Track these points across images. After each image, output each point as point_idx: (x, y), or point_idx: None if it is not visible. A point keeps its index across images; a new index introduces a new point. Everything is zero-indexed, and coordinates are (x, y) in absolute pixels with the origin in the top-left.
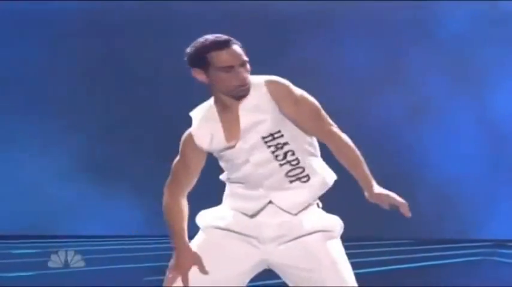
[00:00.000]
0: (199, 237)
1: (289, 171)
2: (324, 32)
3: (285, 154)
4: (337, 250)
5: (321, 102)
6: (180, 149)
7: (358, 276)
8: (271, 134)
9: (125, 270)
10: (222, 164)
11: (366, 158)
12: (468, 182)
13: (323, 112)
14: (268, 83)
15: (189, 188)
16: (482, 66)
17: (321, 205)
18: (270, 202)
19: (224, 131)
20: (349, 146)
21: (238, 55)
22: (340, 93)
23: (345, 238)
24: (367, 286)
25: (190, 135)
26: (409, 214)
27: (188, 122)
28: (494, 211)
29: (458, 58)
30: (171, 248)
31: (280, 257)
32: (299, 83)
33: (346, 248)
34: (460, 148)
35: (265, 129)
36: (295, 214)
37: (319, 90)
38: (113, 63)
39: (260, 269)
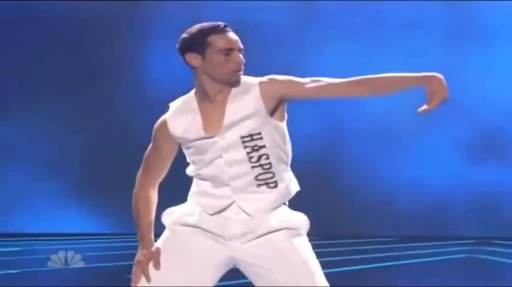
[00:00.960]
0: (165, 235)
1: (259, 174)
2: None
3: (260, 157)
4: (305, 247)
5: None
6: (152, 137)
7: (341, 274)
8: (251, 135)
9: None
10: (190, 157)
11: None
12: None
13: (318, 79)
14: (261, 83)
15: (159, 179)
16: None
17: (287, 203)
18: (234, 202)
19: (203, 121)
20: (361, 80)
21: (237, 40)
22: None
23: (328, 237)
24: (352, 285)
25: (164, 122)
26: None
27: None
28: (469, 209)
29: None
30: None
31: (246, 255)
32: None
33: (330, 246)
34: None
35: (246, 129)
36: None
37: None
38: None
39: (228, 268)
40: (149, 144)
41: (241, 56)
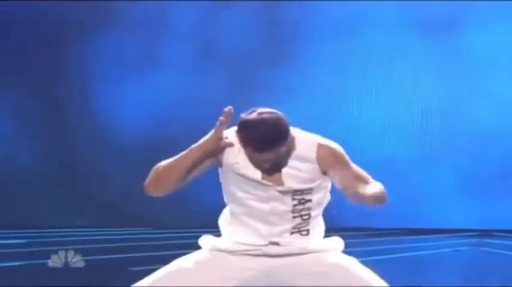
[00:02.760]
0: (201, 252)
1: (297, 225)
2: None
3: (303, 209)
4: (346, 258)
5: None
6: (204, 140)
7: None
8: (303, 190)
9: None
10: (228, 187)
11: None
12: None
13: (359, 169)
14: (320, 146)
15: (188, 178)
16: None
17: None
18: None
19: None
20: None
21: (268, 160)
22: None
23: (327, 230)
24: None
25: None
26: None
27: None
28: (481, 200)
29: None
30: None
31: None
32: None
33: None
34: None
35: (302, 185)
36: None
37: None
38: None
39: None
40: None
41: (271, 164)
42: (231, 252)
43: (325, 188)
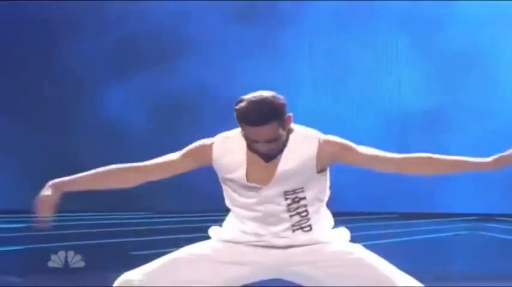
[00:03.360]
0: (208, 242)
1: (296, 222)
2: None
3: (298, 207)
4: (353, 246)
5: None
6: (187, 149)
7: None
8: (294, 189)
9: None
10: (226, 191)
11: None
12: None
13: (373, 150)
14: (321, 143)
15: (147, 179)
16: None
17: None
18: (269, 241)
19: (248, 167)
20: (424, 158)
21: (264, 134)
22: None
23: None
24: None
25: (209, 146)
26: None
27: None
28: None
29: None
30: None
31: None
32: None
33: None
34: None
35: (292, 185)
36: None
37: None
38: None
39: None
40: None
41: (266, 145)
42: (236, 242)
43: (321, 184)
